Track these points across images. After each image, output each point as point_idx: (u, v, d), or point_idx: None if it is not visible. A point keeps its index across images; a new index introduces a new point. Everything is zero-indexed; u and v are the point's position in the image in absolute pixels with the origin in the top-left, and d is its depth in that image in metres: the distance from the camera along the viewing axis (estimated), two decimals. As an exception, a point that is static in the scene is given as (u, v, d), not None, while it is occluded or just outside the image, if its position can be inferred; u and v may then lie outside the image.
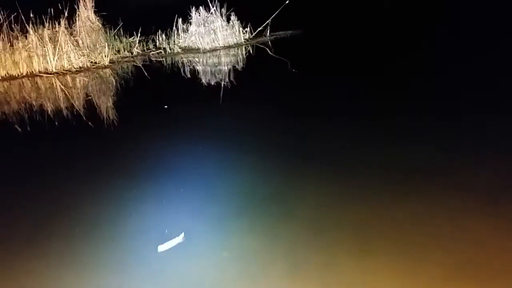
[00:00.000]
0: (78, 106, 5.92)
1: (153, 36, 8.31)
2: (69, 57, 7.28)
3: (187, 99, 5.81)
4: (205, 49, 8.18)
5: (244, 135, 4.41)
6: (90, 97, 6.31)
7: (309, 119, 4.60)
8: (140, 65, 7.61)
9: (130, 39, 8.08)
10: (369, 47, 7.52)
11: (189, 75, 7.02)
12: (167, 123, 4.98)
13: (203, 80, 6.62)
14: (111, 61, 7.61)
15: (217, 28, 8.25)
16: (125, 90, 6.57)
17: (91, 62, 7.45)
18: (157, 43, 8.28)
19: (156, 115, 5.25)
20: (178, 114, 5.21)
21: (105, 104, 6.02)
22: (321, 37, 8.42)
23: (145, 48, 8.17)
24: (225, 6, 8.30)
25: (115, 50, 7.87)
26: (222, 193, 3.29)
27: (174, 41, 8.26)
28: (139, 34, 8.06)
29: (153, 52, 8.10)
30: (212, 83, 6.40)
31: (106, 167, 3.94)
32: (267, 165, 3.64)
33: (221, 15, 8.30)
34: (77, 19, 7.59)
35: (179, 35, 8.30)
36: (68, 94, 6.51)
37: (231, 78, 6.61)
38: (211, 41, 8.26)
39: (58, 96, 6.51)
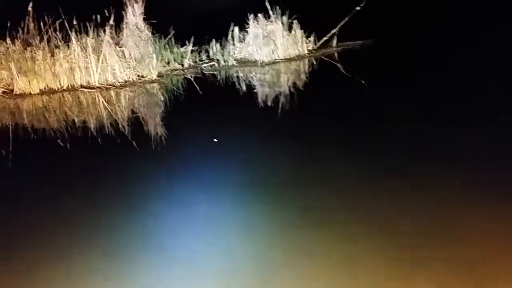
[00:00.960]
0: (123, 127, 5.17)
1: (206, 46, 7.43)
2: (114, 70, 6.51)
3: (243, 126, 4.93)
4: (263, 61, 7.24)
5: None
6: (135, 116, 5.55)
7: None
8: (192, 79, 6.77)
9: (181, 49, 7.24)
10: (446, 57, 6.76)
11: (245, 94, 6.13)
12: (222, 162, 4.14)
13: (261, 101, 5.75)
14: (159, 74, 6.80)
15: (277, 38, 7.30)
16: (174, 109, 5.76)
17: (138, 75, 6.67)
18: (210, 54, 7.41)
19: (208, 149, 4.42)
20: (232, 148, 4.44)
21: (152, 126, 5.23)
22: (396, 48, 7.33)
23: (197, 60, 7.31)
24: (287, 13, 7.33)
25: (165, 62, 7.06)
26: None
27: (229, 52, 7.35)
28: (191, 44, 7.21)
29: (206, 65, 7.23)
30: (273, 106, 5.52)
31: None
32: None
33: (282, 23, 7.34)
34: (124, 27, 6.82)
35: (234, 45, 7.38)
36: (111, 112, 5.76)
37: (295, 100, 5.71)
38: (270, 52, 7.30)
39: (101, 114, 5.78)
